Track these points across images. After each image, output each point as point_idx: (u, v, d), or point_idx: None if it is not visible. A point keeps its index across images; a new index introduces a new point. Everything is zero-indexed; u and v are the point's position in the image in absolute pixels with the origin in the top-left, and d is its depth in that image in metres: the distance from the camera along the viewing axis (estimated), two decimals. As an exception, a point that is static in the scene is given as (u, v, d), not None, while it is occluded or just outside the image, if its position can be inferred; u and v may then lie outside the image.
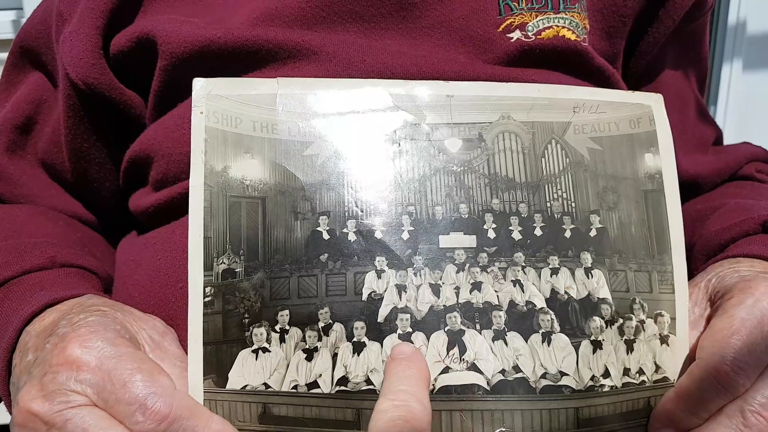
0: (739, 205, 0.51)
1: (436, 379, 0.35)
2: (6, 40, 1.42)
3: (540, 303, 0.37)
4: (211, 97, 0.37)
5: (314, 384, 0.35)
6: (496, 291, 0.37)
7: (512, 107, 0.39)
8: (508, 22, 0.48)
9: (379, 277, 0.36)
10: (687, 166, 0.60)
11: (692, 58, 0.62)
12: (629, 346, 0.38)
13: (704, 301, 0.41)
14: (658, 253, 0.40)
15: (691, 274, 0.48)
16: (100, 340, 0.34)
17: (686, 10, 0.55)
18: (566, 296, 0.37)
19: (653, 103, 0.41)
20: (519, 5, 0.48)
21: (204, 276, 0.35)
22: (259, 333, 0.35)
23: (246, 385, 0.34)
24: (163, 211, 0.47)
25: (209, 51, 0.46)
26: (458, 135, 0.39)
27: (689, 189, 0.61)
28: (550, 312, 0.37)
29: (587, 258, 0.38)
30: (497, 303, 0.37)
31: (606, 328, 0.38)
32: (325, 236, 0.37)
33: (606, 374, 0.37)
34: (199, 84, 0.37)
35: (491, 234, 0.38)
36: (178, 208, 0.45)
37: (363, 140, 0.38)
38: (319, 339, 0.35)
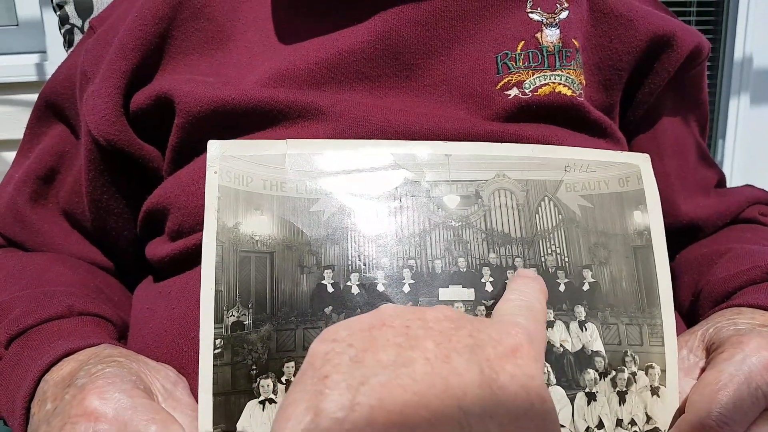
0: (745, 251, 0.52)
1: None
2: (30, 83, 1.47)
3: None
4: (224, 157, 0.39)
5: (319, 434, 0.36)
6: None
7: (507, 166, 0.41)
8: (505, 80, 0.50)
9: (381, 329, 0.38)
10: (687, 210, 0.61)
11: (691, 104, 0.63)
12: (622, 398, 0.39)
13: (700, 350, 0.42)
14: (648, 306, 0.41)
15: (699, 320, 0.49)
16: (117, 392, 0.36)
17: (681, 62, 0.56)
18: (561, 349, 0.39)
19: (641, 162, 0.43)
20: (516, 64, 0.50)
21: (214, 328, 0.37)
22: (266, 384, 0.36)
23: None
24: (179, 261, 0.49)
25: (223, 110, 0.48)
26: (456, 192, 0.41)
27: (690, 232, 0.62)
28: (547, 365, 0.38)
29: (581, 311, 0.40)
30: None
31: (600, 380, 0.39)
32: (330, 289, 0.38)
33: (600, 425, 0.38)
34: (213, 146, 0.39)
35: (489, 287, 0.39)
36: (193, 258, 0.47)
37: (366, 197, 0.40)
38: None
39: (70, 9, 0.78)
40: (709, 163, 0.66)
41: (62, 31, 0.80)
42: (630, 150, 0.59)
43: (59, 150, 0.59)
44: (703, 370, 0.41)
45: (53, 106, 0.60)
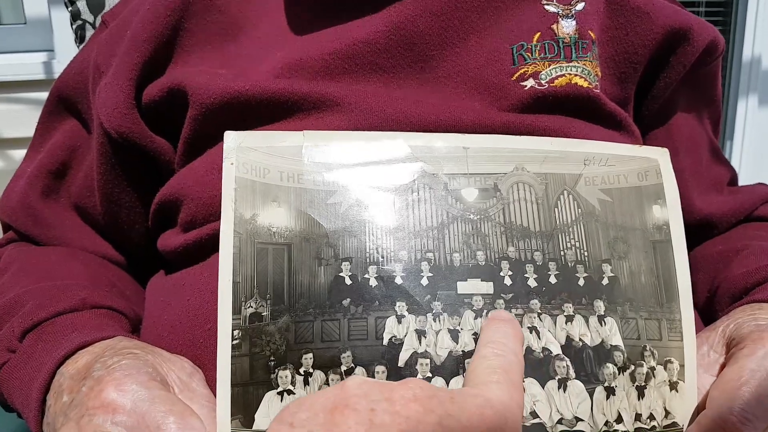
0: (763, 248, 0.52)
1: None
2: (38, 81, 1.47)
3: (556, 350, 0.38)
4: (241, 149, 0.39)
5: (336, 426, 0.36)
6: None
7: (526, 159, 0.41)
8: (521, 71, 0.50)
9: (399, 321, 0.38)
10: (701, 206, 0.61)
11: (705, 100, 0.63)
12: (640, 392, 0.39)
13: (720, 346, 0.42)
14: (667, 301, 0.41)
15: (716, 315, 0.48)
16: (134, 384, 0.35)
17: (697, 56, 0.56)
18: (581, 343, 0.39)
19: (660, 156, 0.43)
20: (532, 55, 0.50)
21: (233, 319, 0.37)
22: (284, 375, 0.36)
23: None
24: (192, 252, 0.49)
25: (237, 102, 0.48)
26: (474, 185, 0.40)
27: (703, 228, 0.61)
28: (566, 359, 0.38)
29: (600, 306, 0.39)
30: None
31: (619, 374, 0.39)
32: (348, 281, 0.38)
33: (619, 419, 0.38)
34: (230, 137, 0.39)
35: (507, 281, 0.39)
36: (207, 249, 0.47)
37: (383, 189, 0.40)
38: None
39: (81, 5, 0.78)
40: (722, 161, 0.66)
41: (74, 27, 0.80)
42: (644, 145, 0.59)
43: (71, 144, 0.59)
44: (723, 366, 0.40)
45: (65, 101, 0.60)
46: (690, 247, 0.61)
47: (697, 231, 0.61)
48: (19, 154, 1.47)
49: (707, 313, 0.54)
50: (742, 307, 0.46)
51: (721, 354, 0.42)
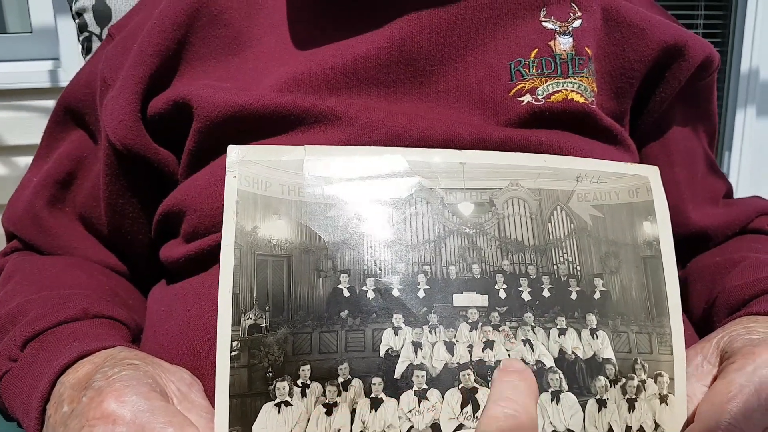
0: (760, 260, 0.53)
1: None
2: (44, 89, 1.48)
3: (549, 362, 0.39)
4: (244, 162, 0.40)
5: (333, 438, 0.36)
6: (507, 350, 0.38)
7: (520, 175, 0.42)
8: (519, 86, 0.51)
9: (396, 334, 0.38)
10: (696, 219, 0.62)
11: (700, 114, 0.64)
12: (631, 405, 0.39)
13: (714, 357, 0.43)
14: (657, 315, 0.41)
15: (713, 326, 0.49)
16: (134, 395, 0.36)
17: (693, 72, 0.57)
18: (573, 356, 0.39)
19: (650, 174, 0.43)
20: (530, 71, 0.51)
21: (232, 330, 0.37)
22: (282, 387, 0.37)
23: None
24: (194, 262, 0.49)
25: (241, 116, 0.49)
26: (470, 199, 0.41)
27: (699, 240, 0.62)
28: (559, 371, 0.39)
29: (592, 319, 0.40)
30: None
31: (610, 387, 0.39)
32: (346, 293, 0.39)
33: None
34: (233, 151, 0.40)
35: (502, 294, 0.40)
36: (209, 259, 0.48)
37: (382, 203, 0.40)
38: (339, 394, 0.37)
39: (88, 17, 0.79)
40: (718, 174, 0.67)
41: (80, 38, 0.81)
42: (640, 158, 0.60)
43: (78, 155, 0.60)
44: (716, 378, 0.41)
45: (73, 112, 0.61)
46: (686, 259, 0.62)
47: (693, 243, 0.62)
48: (24, 161, 1.48)
49: (705, 323, 0.54)
50: (738, 319, 0.46)
51: (715, 365, 0.42)
